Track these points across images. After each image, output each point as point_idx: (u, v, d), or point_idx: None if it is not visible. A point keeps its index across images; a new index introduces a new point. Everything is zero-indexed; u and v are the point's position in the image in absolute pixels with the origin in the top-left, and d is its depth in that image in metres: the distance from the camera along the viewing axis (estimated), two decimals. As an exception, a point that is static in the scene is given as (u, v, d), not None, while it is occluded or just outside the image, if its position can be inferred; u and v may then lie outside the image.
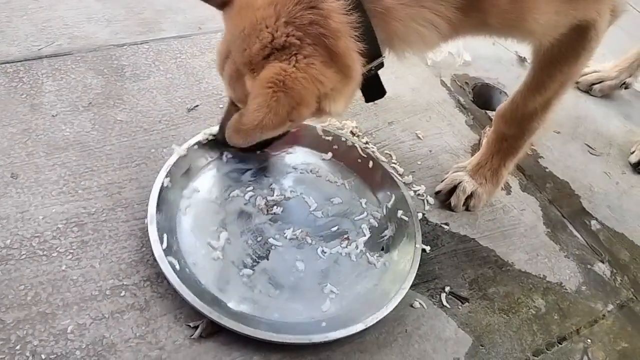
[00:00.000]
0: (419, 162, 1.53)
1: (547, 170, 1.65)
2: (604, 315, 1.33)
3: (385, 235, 1.32)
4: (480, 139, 1.63)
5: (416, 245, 1.28)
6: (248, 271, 1.17)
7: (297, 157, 1.42)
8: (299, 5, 0.93)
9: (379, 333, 1.16)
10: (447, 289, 1.27)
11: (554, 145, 1.73)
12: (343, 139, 1.44)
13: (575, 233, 1.50)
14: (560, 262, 1.41)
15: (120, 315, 1.08)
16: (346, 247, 1.27)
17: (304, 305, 1.16)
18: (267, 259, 1.20)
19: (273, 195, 1.31)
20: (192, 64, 1.60)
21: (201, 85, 1.55)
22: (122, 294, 1.10)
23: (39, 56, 1.49)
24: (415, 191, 1.44)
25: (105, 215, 1.21)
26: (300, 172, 1.38)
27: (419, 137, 1.59)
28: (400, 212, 1.34)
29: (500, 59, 1.98)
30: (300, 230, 1.26)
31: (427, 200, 1.44)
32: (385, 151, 1.52)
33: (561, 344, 1.25)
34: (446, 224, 1.40)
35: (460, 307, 1.26)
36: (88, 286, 1.10)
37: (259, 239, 1.23)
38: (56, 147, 1.30)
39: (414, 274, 1.22)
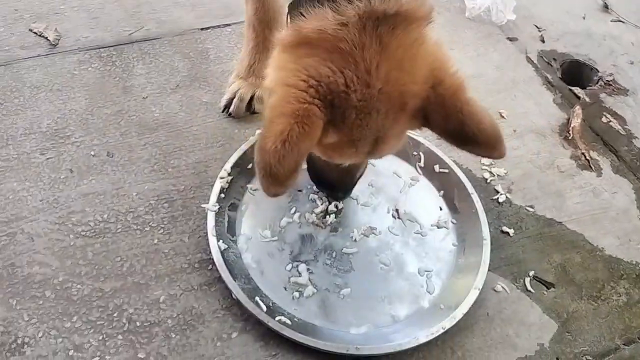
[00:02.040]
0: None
1: (642, 151, 1.55)
2: None
3: (437, 193, 1.32)
4: (569, 118, 1.56)
5: (470, 191, 1.28)
6: (346, 290, 1.15)
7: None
8: None
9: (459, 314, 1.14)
10: (532, 273, 1.23)
11: (649, 125, 1.63)
12: None
13: (673, 219, 1.41)
14: (655, 249, 1.34)
15: (208, 288, 1.13)
16: (398, 217, 1.27)
17: (413, 296, 1.17)
18: (354, 269, 1.19)
19: (318, 206, 1.27)
20: (273, 45, 1.62)
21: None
22: (209, 267, 1.15)
23: (130, 41, 1.56)
24: (493, 173, 1.40)
25: (193, 192, 1.26)
26: None
27: (502, 117, 1.54)
28: (436, 167, 1.33)
29: (591, 34, 1.87)
30: (363, 227, 1.25)
31: (511, 184, 1.39)
32: (467, 131, 1.48)
33: (655, 334, 1.19)
34: (531, 206, 1.36)
35: (545, 292, 1.22)
36: (178, 259, 1.16)
37: (334, 254, 1.21)
38: (147, 127, 1.37)
39: (487, 226, 1.23)
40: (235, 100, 1.39)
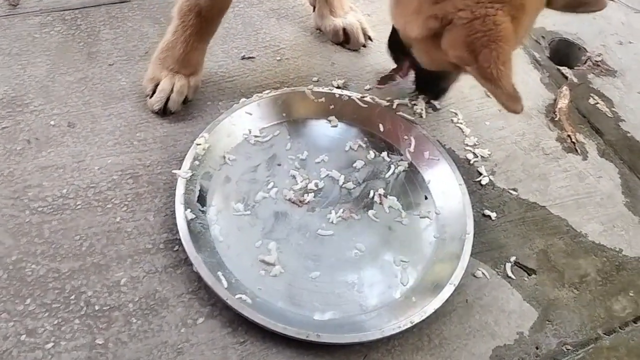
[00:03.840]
0: (487, 123, 1.42)
1: (628, 134, 1.51)
2: (686, 295, 1.22)
3: (424, 181, 1.26)
4: (556, 99, 1.51)
5: (459, 183, 1.23)
6: (315, 273, 1.09)
7: (297, 131, 1.30)
8: None
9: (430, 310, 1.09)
10: (513, 259, 1.19)
11: (637, 108, 1.58)
12: (337, 94, 1.34)
13: (658, 204, 1.37)
14: (639, 235, 1.30)
15: (173, 270, 1.06)
16: (380, 203, 1.21)
17: (385, 285, 1.11)
18: (327, 253, 1.13)
19: (297, 184, 1.20)
20: (249, 13, 1.53)
21: (258, 36, 1.48)
22: (175, 248, 1.08)
23: (97, 3, 1.46)
24: (476, 154, 1.35)
25: (161, 167, 1.19)
26: (309, 148, 1.27)
27: (487, 95, 1.48)
28: (426, 153, 1.28)
29: (581, 12, 1.81)
30: (341, 209, 1.18)
31: (495, 166, 1.34)
32: (451, 109, 1.42)
33: (636, 324, 1.16)
34: (514, 189, 1.31)
35: (526, 278, 1.17)
36: (142, 239, 1.09)
37: (307, 235, 1.14)
38: (112, 96, 1.28)
39: (472, 220, 1.18)
40: (173, 95, 1.25)
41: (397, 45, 1.22)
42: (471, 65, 0.94)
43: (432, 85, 1.27)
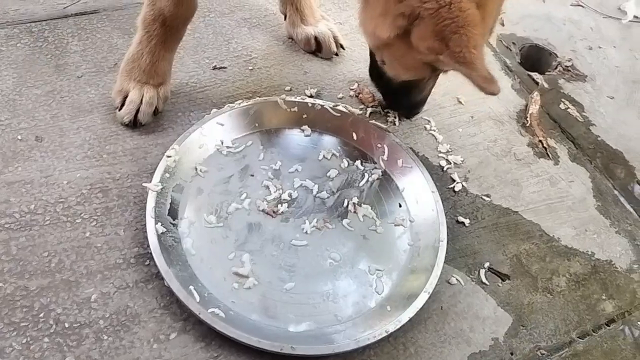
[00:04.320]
0: (459, 130, 1.43)
1: (599, 138, 1.53)
2: (657, 297, 1.24)
3: (397, 189, 1.26)
4: (527, 104, 1.52)
5: (432, 190, 1.23)
6: (290, 285, 1.08)
7: (270, 141, 1.29)
8: None
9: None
10: (487, 264, 1.20)
11: (607, 112, 1.60)
12: (309, 104, 1.34)
13: (628, 207, 1.39)
14: (611, 239, 1.31)
15: (144, 285, 1.04)
16: (355, 212, 1.20)
17: (360, 295, 1.10)
18: (301, 263, 1.12)
19: (271, 194, 1.19)
20: (221, 22, 1.53)
21: (230, 46, 1.47)
22: (146, 263, 1.07)
23: (65, 15, 1.44)
24: (449, 161, 1.36)
25: (130, 180, 1.17)
26: (282, 158, 1.27)
27: (460, 102, 1.49)
28: (399, 161, 1.28)
29: (551, 18, 1.83)
30: (315, 219, 1.18)
31: (467, 172, 1.35)
32: (424, 117, 1.43)
33: (609, 326, 1.17)
34: (487, 195, 1.32)
35: (500, 284, 1.18)
36: (112, 254, 1.07)
37: (281, 246, 1.13)
38: (81, 109, 1.26)
39: (445, 227, 1.18)
40: (143, 107, 1.23)
41: (377, 73, 1.25)
42: (443, 52, 0.96)
43: (404, 100, 1.29)
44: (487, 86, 0.96)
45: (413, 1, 0.95)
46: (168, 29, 1.21)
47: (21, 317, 0.97)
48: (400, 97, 1.29)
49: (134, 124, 1.24)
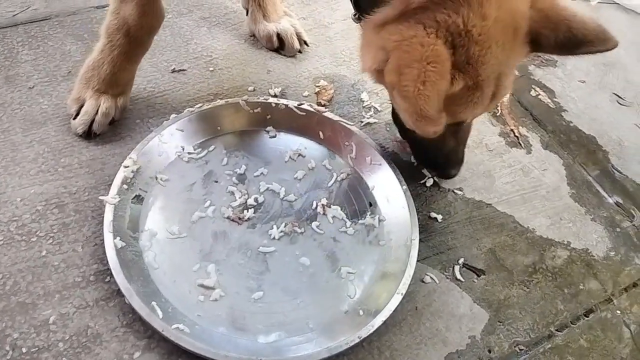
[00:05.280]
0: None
1: (571, 124, 1.51)
2: (635, 284, 1.22)
3: (367, 188, 1.23)
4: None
5: (403, 187, 1.19)
6: (258, 294, 1.04)
7: (234, 144, 1.25)
8: None
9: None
10: (461, 260, 1.17)
11: (578, 97, 1.58)
12: (273, 104, 1.29)
13: (603, 193, 1.37)
14: (586, 226, 1.29)
15: (105, 303, 1.00)
16: (324, 214, 1.17)
17: (331, 300, 1.06)
18: (269, 271, 1.08)
19: (236, 200, 1.15)
20: (179, 23, 1.47)
21: (189, 47, 1.42)
22: (107, 280, 1.02)
23: (14, 23, 1.38)
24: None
25: (88, 194, 1.12)
26: (247, 161, 1.23)
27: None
28: (368, 159, 1.24)
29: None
30: (283, 224, 1.14)
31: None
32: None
33: (588, 317, 1.15)
34: (459, 189, 1.29)
35: (475, 280, 1.15)
36: (70, 272, 1.02)
37: (248, 253, 1.09)
38: (33, 122, 1.21)
39: (417, 225, 1.14)
40: (98, 117, 1.18)
41: (398, 119, 1.17)
42: (395, 87, 0.89)
43: (430, 154, 1.20)
44: (420, 124, 0.89)
45: (384, 34, 0.90)
46: (132, 40, 1.16)
47: (-25, 344, 0.92)
48: (425, 149, 1.20)
49: (88, 135, 1.19)
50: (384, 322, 1.02)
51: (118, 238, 1.03)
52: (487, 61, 0.90)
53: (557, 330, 1.12)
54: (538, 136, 1.45)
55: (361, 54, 1.00)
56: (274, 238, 1.12)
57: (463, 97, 0.94)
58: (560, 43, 0.94)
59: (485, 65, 0.90)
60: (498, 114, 1.46)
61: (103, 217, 1.06)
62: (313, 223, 1.16)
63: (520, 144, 1.41)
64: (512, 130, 1.43)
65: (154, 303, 0.97)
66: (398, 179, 1.21)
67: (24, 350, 0.93)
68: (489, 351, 1.07)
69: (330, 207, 1.19)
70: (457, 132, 1.12)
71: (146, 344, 0.97)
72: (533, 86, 1.57)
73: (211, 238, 1.10)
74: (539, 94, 1.55)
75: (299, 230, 1.15)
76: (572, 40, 0.93)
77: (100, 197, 1.09)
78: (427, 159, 1.23)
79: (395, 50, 0.88)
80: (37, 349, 0.94)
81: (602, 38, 0.93)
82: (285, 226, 1.14)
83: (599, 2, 1.89)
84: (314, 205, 1.19)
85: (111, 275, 1.00)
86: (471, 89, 0.93)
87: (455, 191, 1.28)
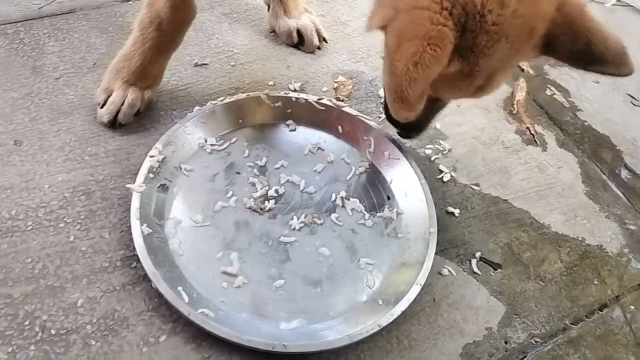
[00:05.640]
0: (446, 119, 1.42)
1: (585, 124, 1.53)
2: (649, 280, 1.24)
3: (385, 181, 1.25)
4: (514, 92, 1.52)
5: (420, 181, 1.21)
6: (280, 282, 1.06)
7: (255, 137, 1.27)
8: None
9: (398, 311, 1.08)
10: (478, 254, 1.19)
11: (593, 97, 1.60)
12: (293, 98, 1.31)
13: (617, 191, 1.39)
14: (601, 223, 1.31)
15: (132, 288, 1.02)
16: (343, 206, 1.19)
17: (351, 290, 1.09)
18: (290, 260, 1.10)
19: (257, 191, 1.18)
20: (201, 18, 1.50)
21: (211, 42, 1.45)
22: (133, 265, 1.05)
23: (40, 15, 1.41)
24: (437, 151, 1.35)
25: (114, 182, 1.15)
26: (267, 154, 1.25)
27: (447, 92, 1.48)
28: (386, 153, 1.26)
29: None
30: (304, 215, 1.16)
31: (456, 162, 1.34)
32: (410, 107, 1.41)
33: (602, 311, 1.17)
34: (476, 184, 1.31)
35: (492, 273, 1.17)
36: (98, 257, 1.05)
37: (270, 243, 1.11)
38: (60, 111, 1.23)
39: (435, 218, 1.16)
40: (124, 108, 1.20)
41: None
42: (389, 56, 0.83)
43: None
44: (396, 107, 0.84)
45: None
46: (163, 33, 1.19)
47: (6, 325, 0.95)
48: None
49: (113, 124, 1.21)
50: (403, 312, 1.04)
51: (145, 225, 1.05)
52: (491, 54, 0.85)
53: (572, 323, 1.14)
54: (553, 134, 1.47)
55: (371, 10, 0.92)
56: (294, 228, 1.15)
57: (451, 80, 0.89)
58: (576, 54, 0.88)
59: (487, 58, 0.85)
60: (514, 112, 1.48)
61: (129, 204, 1.08)
62: (332, 215, 1.18)
63: (536, 142, 1.43)
64: (527, 128, 1.45)
65: (180, 288, 1.00)
66: (416, 173, 1.23)
67: (52, 332, 0.96)
68: (506, 342, 1.08)
69: (349, 199, 1.21)
70: (431, 107, 1.07)
71: (172, 328, 0.99)
72: (548, 85, 1.59)
73: (233, 227, 1.13)
74: (554, 93, 1.57)
75: (318, 222, 1.17)
76: (589, 55, 0.87)
77: (127, 185, 1.11)
78: (394, 122, 1.18)
79: (404, 14, 0.82)
80: (65, 330, 0.96)
81: (619, 62, 0.89)
82: (305, 217, 1.16)
83: (613, 5, 1.90)
84: (333, 198, 1.21)
85: (137, 260, 1.03)
86: (463, 76, 0.88)
87: (472, 186, 1.30)
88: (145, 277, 1.02)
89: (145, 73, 1.22)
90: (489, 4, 0.79)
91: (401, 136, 1.23)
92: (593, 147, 1.47)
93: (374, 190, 1.24)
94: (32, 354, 0.93)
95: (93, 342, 0.95)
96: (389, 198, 1.23)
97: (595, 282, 1.20)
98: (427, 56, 0.78)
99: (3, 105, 1.22)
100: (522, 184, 1.34)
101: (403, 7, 0.82)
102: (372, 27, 0.93)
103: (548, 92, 1.57)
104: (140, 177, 1.11)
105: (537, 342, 1.10)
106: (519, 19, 0.82)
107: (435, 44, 0.78)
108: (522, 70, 1.60)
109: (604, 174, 1.42)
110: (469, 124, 1.43)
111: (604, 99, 1.60)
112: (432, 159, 1.33)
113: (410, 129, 1.17)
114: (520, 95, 1.51)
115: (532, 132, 1.44)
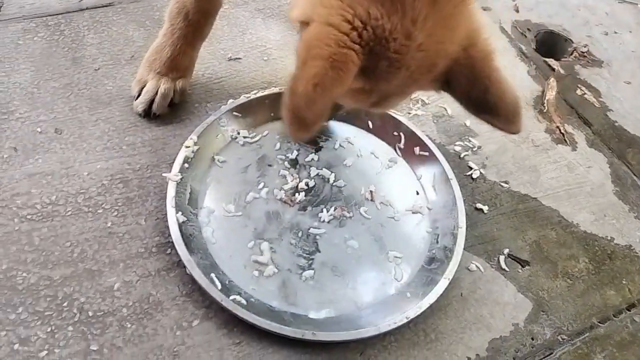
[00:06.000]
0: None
1: (616, 124, 1.52)
2: (678, 281, 1.23)
3: (414, 176, 1.26)
4: (544, 91, 1.51)
5: (449, 177, 1.22)
6: (309, 272, 1.09)
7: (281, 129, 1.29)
8: None
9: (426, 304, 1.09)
10: (506, 251, 1.19)
11: (624, 97, 1.59)
12: None
13: (647, 192, 1.38)
14: (630, 223, 1.31)
15: (166, 273, 1.05)
16: (372, 200, 1.21)
17: (379, 282, 1.10)
18: (319, 251, 1.12)
19: (288, 183, 1.20)
20: (235, 14, 1.53)
21: (245, 37, 1.48)
22: (167, 252, 1.07)
23: (80, 8, 1.45)
24: (466, 148, 1.35)
25: (150, 171, 1.18)
26: (298, 147, 1.27)
27: (477, 89, 1.48)
28: (416, 149, 1.28)
29: (565, 4, 1.82)
30: (333, 207, 1.18)
31: (485, 159, 1.34)
32: (439, 104, 1.42)
33: (630, 311, 1.17)
34: (505, 182, 1.31)
35: (520, 270, 1.18)
36: (134, 243, 1.08)
37: (300, 234, 1.14)
38: (99, 101, 1.27)
39: (464, 213, 1.17)
40: (157, 98, 1.23)
41: None
42: (293, 73, 0.78)
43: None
44: (293, 129, 0.79)
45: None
46: (190, 23, 1.22)
47: (45, 306, 0.98)
48: None
49: (147, 114, 1.25)
50: (430, 306, 1.05)
51: (180, 213, 1.08)
52: (390, 80, 0.84)
53: (599, 322, 1.14)
54: (583, 134, 1.46)
55: (292, 2, 0.88)
56: (323, 221, 1.17)
57: (352, 93, 0.88)
58: (472, 99, 0.87)
59: (385, 82, 0.84)
60: (544, 111, 1.48)
61: (164, 193, 1.12)
62: (361, 208, 1.20)
63: (566, 141, 1.43)
64: (557, 127, 1.45)
65: (213, 275, 1.02)
66: (445, 169, 1.24)
67: (90, 313, 0.99)
68: (532, 339, 1.09)
69: (378, 194, 1.22)
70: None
71: (204, 313, 1.02)
72: (579, 85, 1.58)
73: (264, 218, 1.15)
74: (585, 93, 1.56)
75: (347, 215, 1.18)
76: (483, 102, 0.86)
77: (164, 174, 1.14)
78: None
79: (316, 26, 0.79)
80: (102, 313, 0.99)
81: (510, 119, 0.88)
82: (334, 210, 1.18)
83: (646, 5, 1.89)
84: (362, 192, 1.22)
85: (172, 247, 1.06)
86: (362, 92, 0.87)
87: (502, 184, 1.31)
88: (179, 264, 1.05)
89: (176, 64, 1.25)
90: (396, 32, 0.78)
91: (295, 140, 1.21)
92: (623, 148, 1.46)
93: (403, 185, 1.25)
94: (70, 334, 0.96)
95: (128, 325, 0.98)
96: (417, 193, 1.24)
97: (624, 282, 1.20)
98: (328, 79, 0.75)
99: (44, 94, 1.26)
100: (551, 182, 1.34)
101: (316, 18, 0.80)
102: (291, 20, 0.90)
103: (579, 91, 1.57)
104: (175, 167, 1.14)
105: (564, 339, 1.10)
106: (422, 52, 0.81)
107: (339, 67, 0.76)
108: (553, 70, 1.60)
109: (634, 174, 1.41)
110: (499, 121, 1.42)
111: (635, 99, 1.59)
112: (462, 155, 1.33)
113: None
114: (551, 94, 1.50)
115: (562, 131, 1.44)
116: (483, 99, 0.86)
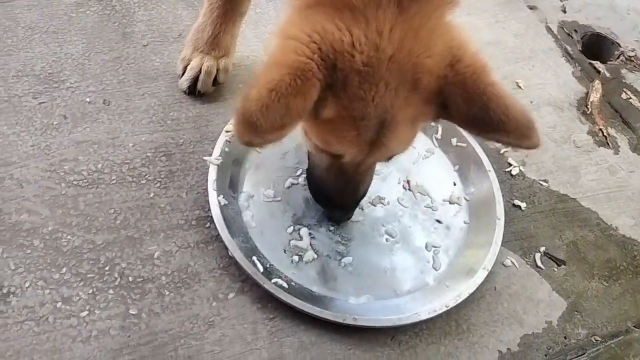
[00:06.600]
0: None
1: (661, 131, 1.49)
2: None
3: (452, 167, 1.27)
4: (588, 92, 1.50)
5: (488, 170, 1.22)
6: (348, 259, 1.10)
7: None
8: None
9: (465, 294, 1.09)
10: (542, 249, 1.19)
11: (669, 104, 1.56)
12: None
13: (690, 201, 1.35)
14: (670, 231, 1.29)
15: (205, 246, 1.07)
16: (409, 189, 1.21)
17: (417, 271, 1.11)
18: (358, 238, 1.13)
19: None
20: (282, -2, 1.54)
21: (291, 21, 1.49)
22: (207, 225, 1.09)
23: (132, -15, 1.48)
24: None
25: (193, 147, 1.20)
26: None
27: (519, 87, 1.47)
28: (454, 140, 1.27)
29: (615, 7, 1.79)
30: (371, 196, 1.18)
31: (525, 157, 1.33)
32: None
33: (667, 318, 1.15)
34: (545, 180, 1.30)
35: (555, 269, 1.17)
36: (175, 215, 1.10)
37: None
38: (146, 76, 1.29)
39: (502, 206, 1.17)
40: (202, 76, 1.25)
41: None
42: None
43: (318, 190, 1.09)
44: (237, 127, 0.76)
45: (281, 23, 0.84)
46: (228, 2, 1.23)
47: (88, 269, 1.01)
48: (311, 178, 1.10)
49: (192, 91, 1.27)
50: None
51: (221, 196, 1.09)
52: (368, 98, 0.80)
53: (634, 326, 1.12)
54: (627, 138, 1.44)
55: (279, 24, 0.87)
56: (361, 208, 1.17)
57: (337, 129, 0.85)
58: (472, 119, 0.81)
59: (365, 103, 0.80)
60: (587, 113, 1.46)
61: (206, 169, 1.14)
62: (398, 198, 1.20)
63: (608, 144, 1.41)
64: (600, 129, 1.43)
65: (254, 258, 1.04)
66: (483, 161, 1.24)
67: (130, 279, 1.01)
68: (565, 337, 1.08)
69: (415, 183, 1.22)
70: (341, 169, 0.97)
71: (240, 287, 1.03)
72: (624, 89, 1.56)
73: (303, 204, 1.16)
74: (630, 98, 1.54)
75: (385, 204, 1.19)
76: (486, 122, 0.80)
77: (205, 158, 1.16)
78: (314, 192, 1.11)
79: (277, 40, 0.81)
80: (142, 279, 1.02)
81: (524, 134, 0.80)
82: (371, 199, 1.18)
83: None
84: (400, 181, 1.22)
85: (211, 221, 1.08)
86: (346, 124, 0.83)
87: (541, 182, 1.30)
88: (218, 238, 1.06)
89: (218, 42, 1.27)
90: (361, 45, 0.77)
91: (329, 218, 1.14)
92: (667, 155, 1.44)
93: (440, 176, 1.25)
94: (110, 297, 0.99)
95: (167, 292, 1.01)
96: (455, 184, 1.24)
97: (662, 289, 1.19)
98: (284, 84, 0.74)
99: (94, 66, 1.29)
100: (591, 184, 1.32)
101: (277, 33, 0.82)
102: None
103: (624, 95, 1.55)
104: (217, 150, 1.16)
105: (597, 340, 1.09)
106: (396, 64, 0.78)
107: (296, 75, 0.75)
108: (598, 72, 1.58)
109: (678, 182, 1.38)
110: (541, 120, 1.41)
111: (682, 107, 1.56)
112: (502, 151, 1.33)
113: (334, 206, 1.09)
114: (595, 96, 1.48)
115: (605, 134, 1.42)
116: (485, 117, 0.79)
